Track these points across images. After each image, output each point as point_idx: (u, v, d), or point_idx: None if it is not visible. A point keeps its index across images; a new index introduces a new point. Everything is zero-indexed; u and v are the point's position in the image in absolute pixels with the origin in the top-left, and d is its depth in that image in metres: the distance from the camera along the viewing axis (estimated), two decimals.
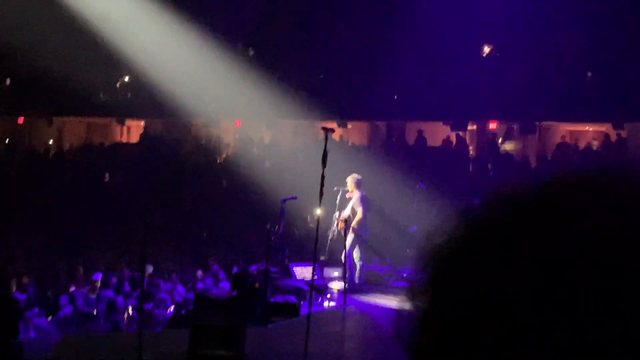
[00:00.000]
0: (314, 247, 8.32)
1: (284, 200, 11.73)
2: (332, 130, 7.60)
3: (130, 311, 12.07)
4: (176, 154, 26.65)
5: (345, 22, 25.63)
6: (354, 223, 12.94)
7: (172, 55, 24.92)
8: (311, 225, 19.40)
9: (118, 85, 27.87)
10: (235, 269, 14.97)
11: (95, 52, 25.56)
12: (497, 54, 25.48)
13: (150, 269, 15.42)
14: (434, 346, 0.63)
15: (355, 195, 13.34)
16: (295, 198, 12.03)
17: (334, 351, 7.81)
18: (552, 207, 0.63)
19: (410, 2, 24.08)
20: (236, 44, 25.67)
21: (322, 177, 7.57)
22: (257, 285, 10.57)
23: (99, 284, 12.96)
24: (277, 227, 11.33)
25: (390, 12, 24.68)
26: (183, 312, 11.57)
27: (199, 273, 14.65)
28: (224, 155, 27.52)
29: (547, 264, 0.59)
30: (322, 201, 14.89)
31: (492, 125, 26.21)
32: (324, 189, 14.51)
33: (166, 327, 10.36)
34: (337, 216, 13.63)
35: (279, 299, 11.45)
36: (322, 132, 27.28)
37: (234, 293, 10.92)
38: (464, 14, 23.90)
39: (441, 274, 0.66)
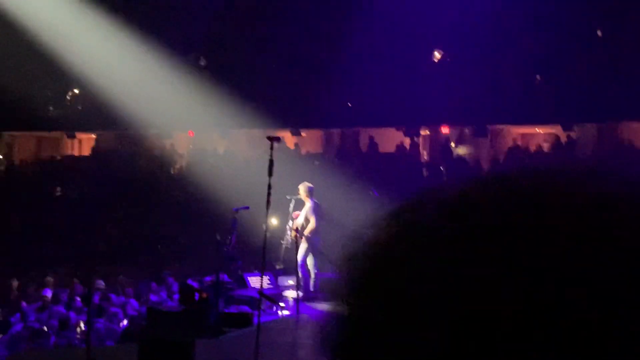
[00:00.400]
0: (262, 256, 8.29)
1: (237, 210, 11.67)
2: (278, 140, 7.58)
3: (82, 326, 11.90)
4: (129, 167, 26.42)
5: (297, 30, 25.64)
6: (306, 231, 12.93)
7: (122, 67, 24.70)
8: (267, 234, 19.38)
9: (68, 98, 27.57)
10: (189, 281, 14.88)
11: (44, 66, 25.25)
12: (448, 59, 25.72)
13: (101, 283, 15.27)
14: (353, 351, 0.63)
15: (307, 204, 13.33)
16: (248, 208, 11.99)
17: None
18: (474, 211, 0.62)
19: (360, 10, 24.18)
20: (187, 55, 25.53)
21: (269, 186, 7.54)
22: (204, 295, 10.52)
23: (49, 299, 12.77)
24: (229, 237, 11.26)
25: (341, 20, 24.75)
26: (135, 326, 11.46)
27: (153, 286, 14.53)
28: (177, 167, 27.35)
29: (466, 269, 0.58)
30: (276, 210, 14.95)
31: (445, 130, 26.43)
32: (277, 197, 14.59)
33: (119, 342, 10.23)
34: (290, 225, 13.61)
35: (233, 309, 11.40)
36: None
37: (182, 307, 10.85)
38: (414, 20, 24.06)
39: (360, 278, 0.65)
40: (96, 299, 14.17)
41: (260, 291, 12.13)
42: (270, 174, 7.22)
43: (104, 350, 7.95)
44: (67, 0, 24.75)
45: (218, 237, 10.83)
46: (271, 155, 7.24)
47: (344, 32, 24.62)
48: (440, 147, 26.31)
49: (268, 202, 7.55)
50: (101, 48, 24.69)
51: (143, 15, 25.00)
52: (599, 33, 24.81)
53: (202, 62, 27.54)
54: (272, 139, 7.43)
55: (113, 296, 13.02)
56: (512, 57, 23.85)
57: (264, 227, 13.43)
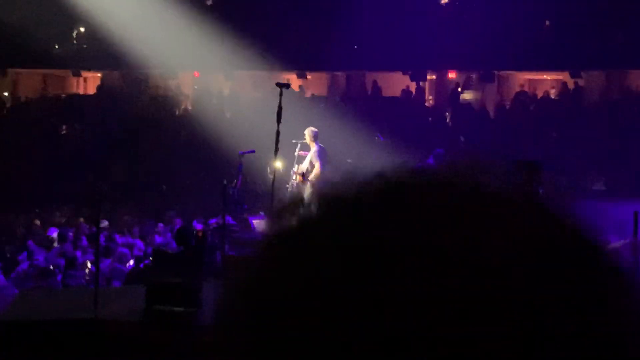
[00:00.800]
0: (271, 201, 8.35)
1: (242, 154, 11.69)
2: (287, 86, 7.56)
3: (89, 266, 12.03)
4: (134, 106, 26.37)
5: None
6: (311, 176, 12.98)
7: (128, 6, 24.49)
8: (270, 177, 19.46)
9: (74, 36, 27.40)
10: (194, 223, 15.00)
11: (49, 4, 25.04)
12: (457, 3, 25.44)
13: (106, 223, 15.38)
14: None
15: (312, 148, 13.36)
16: (254, 152, 12.03)
17: None
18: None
19: None
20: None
21: (277, 132, 7.54)
22: (200, 234, 10.68)
23: (55, 239, 12.88)
24: (235, 180, 11.31)
25: None
26: (142, 266, 11.58)
27: (160, 226, 14.64)
28: (182, 107, 27.31)
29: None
30: (281, 154, 14.97)
31: (452, 75, 26.30)
32: (283, 141, 14.61)
33: (125, 282, 10.36)
34: (295, 169, 13.65)
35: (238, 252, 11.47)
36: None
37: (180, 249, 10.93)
38: None
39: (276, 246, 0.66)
40: (102, 239, 14.31)
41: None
42: (278, 120, 7.21)
43: (111, 291, 8.06)
44: None
45: (225, 182, 10.86)
46: (280, 102, 7.23)
47: None
48: (446, 92, 26.21)
49: (277, 148, 7.55)
50: None
51: None
52: None
53: (209, 2, 27.29)
54: (281, 85, 7.40)
55: (118, 236, 13.13)
56: (521, 3, 23.59)
57: (267, 170, 13.50)
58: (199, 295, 6.83)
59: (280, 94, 7.23)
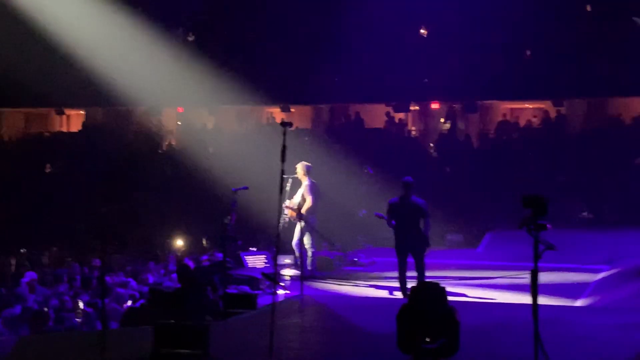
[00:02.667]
0: (276, 238, 8.35)
1: (236, 190, 11.69)
2: (290, 125, 7.57)
3: (81, 306, 11.92)
4: (118, 143, 26.31)
5: (286, 7, 25.54)
6: (303, 210, 12.97)
7: (110, 43, 24.52)
8: (258, 213, 19.44)
9: (56, 74, 27.18)
10: (185, 260, 14.92)
11: (31, 42, 25.03)
12: (438, 34, 25.64)
13: (98, 262, 15.28)
14: None
15: (304, 183, 13.35)
16: (247, 188, 12.01)
17: (297, 345, 7.86)
18: None
19: None
20: (175, 30, 25.31)
21: (282, 172, 7.56)
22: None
23: (35, 282, 12.72)
24: (229, 217, 11.29)
25: None
26: (138, 305, 11.49)
27: (151, 265, 14.57)
28: (166, 143, 27.29)
29: None
30: (270, 188, 14.95)
31: (434, 106, 26.50)
32: (273, 177, 14.61)
33: (121, 322, 10.27)
34: (286, 204, 13.64)
35: (232, 290, 11.44)
36: (265, 117, 27.23)
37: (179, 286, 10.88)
38: None
39: None
40: (93, 280, 14.19)
41: (263, 272, 12.24)
42: (283, 159, 7.23)
43: (116, 333, 8.00)
44: None
45: (226, 221, 10.86)
46: (284, 141, 7.25)
47: (332, 8, 24.58)
48: (429, 122, 26.40)
49: (281, 187, 7.56)
50: (90, 24, 24.49)
51: None
52: (588, 8, 24.88)
53: (190, 38, 27.40)
54: (285, 124, 7.43)
55: (108, 277, 13.03)
56: (502, 33, 23.86)
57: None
58: (207, 337, 6.79)
59: (284, 133, 7.25)
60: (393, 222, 11.81)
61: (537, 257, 6.43)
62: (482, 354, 7.04)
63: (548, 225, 6.43)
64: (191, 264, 14.60)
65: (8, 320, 10.66)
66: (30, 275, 13.55)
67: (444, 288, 6.72)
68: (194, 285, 10.60)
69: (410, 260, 11.58)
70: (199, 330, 6.76)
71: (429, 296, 6.67)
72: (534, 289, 6.42)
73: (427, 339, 6.54)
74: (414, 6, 23.92)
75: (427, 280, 7.02)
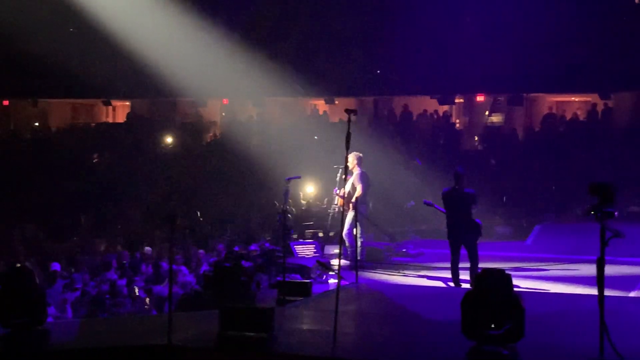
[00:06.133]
0: (341, 227, 8.38)
1: (289, 180, 11.73)
2: (355, 112, 7.59)
3: (136, 292, 12.08)
4: (163, 134, 26.57)
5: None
6: (354, 198, 13.00)
7: (157, 34, 24.68)
8: (303, 202, 19.53)
9: (103, 64, 27.48)
10: (236, 248, 15.03)
11: (79, 33, 25.32)
12: (484, 25, 25.43)
13: (149, 250, 15.45)
14: None
15: (355, 172, 13.37)
16: (300, 177, 12.06)
17: (358, 330, 7.89)
18: None
19: None
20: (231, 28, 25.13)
21: (346, 159, 7.61)
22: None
23: (58, 273, 12.88)
24: (283, 206, 11.35)
25: None
26: (191, 292, 11.62)
27: (201, 253, 14.70)
28: (211, 134, 27.47)
29: None
30: (322, 178, 15.04)
31: (480, 98, 26.35)
32: (325, 166, 14.68)
33: (177, 308, 10.40)
34: (337, 193, 13.69)
35: (285, 278, 11.49)
36: (309, 109, 27.29)
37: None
38: None
39: None
40: (144, 265, 14.37)
41: (319, 260, 12.30)
42: (347, 147, 7.26)
43: (181, 317, 8.10)
44: None
45: (282, 207, 10.92)
46: (349, 128, 7.26)
47: (379, 0, 24.54)
48: (475, 115, 26.27)
49: (345, 174, 7.59)
50: (137, 14, 24.67)
51: None
52: (637, 0, 24.55)
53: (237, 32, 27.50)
54: (349, 112, 7.45)
55: (163, 263, 13.18)
56: (548, 25, 23.63)
57: (301, 195, 13.52)
58: (272, 320, 6.85)
59: (349, 120, 7.27)
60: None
61: (603, 244, 6.39)
62: (546, 343, 7.01)
63: (615, 213, 6.39)
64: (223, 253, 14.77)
65: (73, 303, 10.86)
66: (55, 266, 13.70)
67: (509, 275, 6.71)
68: (235, 273, 10.75)
69: (463, 251, 11.61)
70: (264, 314, 6.82)
71: (495, 283, 6.66)
72: (600, 277, 6.38)
73: (492, 325, 6.54)
74: None
75: (492, 267, 6.99)
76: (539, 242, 16.83)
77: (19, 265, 8.67)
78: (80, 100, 30.13)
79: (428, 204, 12.89)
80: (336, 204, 13.91)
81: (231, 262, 11.86)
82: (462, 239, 11.66)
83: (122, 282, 12.79)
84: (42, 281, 12.16)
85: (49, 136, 27.84)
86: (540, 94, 25.93)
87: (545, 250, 15.44)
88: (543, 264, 13.93)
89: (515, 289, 6.81)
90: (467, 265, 11.67)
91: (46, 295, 7.88)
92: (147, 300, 11.36)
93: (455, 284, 11.64)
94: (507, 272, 6.76)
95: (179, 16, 24.67)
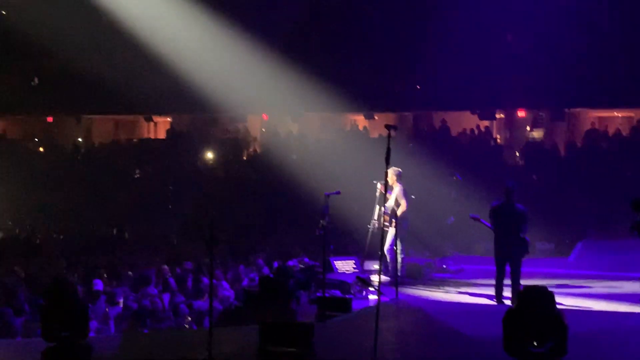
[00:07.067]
0: (381, 243, 8.36)
1: (328, 195, 11.72)
2: (396, 128, 7.59)
3: (177, 307, 12.13)
4: (203, 149, 26.76)
5: (371, 14, 25.56)
6: (398, 214, 12.95)
7: (198, 50, 24.91)
8: (345, 218, 19.48)
9: (144, 80, 27.75)
10: (275, 264, 15.06)
11: (122, 50, 25.64)
12: (524, 40, 25.27)
13: (189, 265, 15.52)
14: None
15: (396, 188, 13.35)
16: (339, 193, 12.03)
17: (399, 347, 7.85)
18: None
19: None
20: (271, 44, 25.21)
21: (386, 174, 7.59)
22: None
23: (100, 292, 12.93)
24: (323, 221, 11.33)
25: (415, 4, 24.63)
26: (231, 307, 11.65)
27: (241, 268, 14.73)
28: (251, 149, 27.61)
29: None
30: (362, 194, 14.99)
31: (521, 114, 26.17)
32: (364, 182, 14.63)
33: (217, 323, 10.42)
34: (378, 209, 13.66)
35: (325, 294, 11.48)
36: (349, 124, 27.30)
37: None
38: (488, 2, 23.79)
39: None
40: (184, 280, 14.43)
41: (359, 276, 12.27)
42: (387, 162, 7.25)
43: (222, 331, 8.13)
44: None
45: (322, 223, 10.91)
46: (389, 143, 7.26)
47: (418, 16, 24.50)
48: (515, 130, 26.09)
49: (385, 189, 7.59)
50: (177, 31, 24.93)
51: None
52: None
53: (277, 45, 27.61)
54: (389, 127, 7.45)
55: (205, 278, 13.23)
56: (591, 40, 23.42)
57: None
58: (312, 336, 6.85)
59: (389, 136, 7.26)
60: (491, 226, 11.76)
61: None
62: None
63: None
64: (266, 270, 14.77)
65: (115, 317, 10.95)
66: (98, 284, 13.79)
67: (552, 292, 6.63)
68: (281, 289, 10.77)
69: (508, 268, 11.48)
70: (304, 329, 6.82)
71: (537, 300, 6.59)
72: None
73: (535, 343, 6.47)
74: (501, 12, 23.65)
75: (534, 284, 6.92)
76: (582, 259, 16.63)
77: (61, 279, 8.77)
78: (122, 117, 30.49)
79: (475, 219, 12.79)
80: (376, 220, 13.86)
81: (277, 277, 11.92)
82: (508, 255, 11.53)
83: (164, 296, 12.87)
84: (85, 295, 12.30)
85: (92, 151, 28.20)
86: (582, 109, 25.68)
87: (588, 267, 15.24)
88: (586, 280, 13.76)
89: (558, 306, 6.73)
90: (509, 282, 11.55)
91: (89, 309, 7.96)
92: (188, 314, 11.39)
93: (497, 300, 11.53)
94: (549, 289, 6.68)
95: (220, 32, 24.86)
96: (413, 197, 13.85)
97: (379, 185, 13.60)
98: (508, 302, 11.16)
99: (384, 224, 12.08)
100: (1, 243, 20.36)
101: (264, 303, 10.63)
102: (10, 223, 22.74)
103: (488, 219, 12.11)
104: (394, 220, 12.76)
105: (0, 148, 27.41)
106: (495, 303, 11.45)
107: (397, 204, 13.11)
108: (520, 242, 11.49)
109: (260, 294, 11.02)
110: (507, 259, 11.51)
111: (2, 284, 13.61)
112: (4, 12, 27.49)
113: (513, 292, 11.31)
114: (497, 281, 11.52)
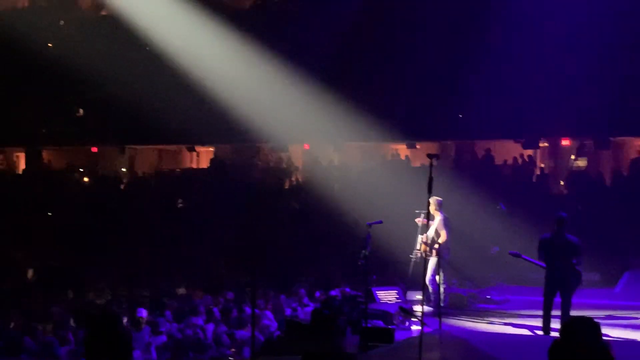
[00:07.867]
0: (423, 273, 8.30)
1: (370, 225, 11.69)
2: (438, 157, 7.58)
3: (219, 336, 12.16)
4: (246, 179, 26.87)
5: (412, 43, 25.56)
6: (438, 245, 12.88)
7: (240, 81, 25.13)
8: (388, 247, 19.39)
9: (187, 111, 28.05)
10: (317, 294, 15.03)
11: (165, 80, 25.93)
12: (567, 68, 25.07)
13: (231, 295, 15.56)
14: None
15: (437, 218, 13.28)
16: (381, 222, 11.99)
17: None
18: None
19: (476, 21, 23.95)
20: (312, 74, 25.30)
21: (428, 204, 7.55)
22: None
23: (144, 320, 12.93)
24: (364, 251, 11.29)
25: (457, 33, 24.57)
26: (274, 337, 11.64)
27: (282, 298, 14.74)
28: (293, 179, 27.67)
29: None
30: (404, 223, 14.93)
31: (565, 142, 25.90)
32: (406, 211, 14.57)
33: (260, 352, 10.42)
34: (420, 239, 13.58)
35: (368, 324, 11.41)
36: (390, 153, 27.25)
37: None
38: (533, 31, 23.68)
39: None
40: (227, 310, 14.46)
41: (401, 306, 12.18)
42: (429, 190, 7.23)
43: None
44: (187, 11, 25.41)
45: (364, 253, 10.88)
46: (430, 173, 7.25)
47: (461, 44, 24.43)
48: (560, 159, 25.82)
49: (428, 219, 7.56)
50: (221, 62, 25.18)
51: (265, 28, 25.36)
52: None
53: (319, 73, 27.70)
54: (431, 156, 7.44)
55: (247, 308, 13.25)
56: (636, 67, 23.16)
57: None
58: None
59: (431, 165, 7.25)
60: (542, 263, 11.55)
61: None
62: None
63: None
64: (306, 300, 14.71)
65: (158, 348, 11.00)
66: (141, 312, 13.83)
67: (598, 323, 6.51)
68: (330, 318, 10.68)
69: (557, 299, 11.30)
70: (348, 358, 6.78)
71: (583, 331, 6.46)
72: None
73: None
74: (544, 39, 23.52)
75: (580, 315, 6.78)
76: (629, 290, 16.35)
77: (106, 310, 8.84)
78: (165, 147, 30.80)
79: (515, 255, 12.61)
80: (418, 249, 13.78)
81: (328, 309, 11.85)
82: (561, 286, 11.34)
83: (207, 326, 12.91)
84: (129, 325, 12.37)
85: (136, 182, 28.50)
86: (628, 138, 25.35)
87: (635, 298, 14.98)
88: (633, 312, 13.51)
89: (604, 338, 6.60)
90: (558, 313, 11.35)
91: (132, 339, 7.98)
92: (230, 345, 11.41)
93: (544, 332, 11.35)
94: (595, 320, 6.56)
95: (261, 63, 25.07)
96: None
97: (421, 215, 13.55)
98: (555, 334, 10.97)
99: (425, 254, 11.99)
100: (50, 273, 20.59)
101: (310, 335, 10.57)
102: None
103: (532, 252, 11.93)
104: (434, 250, 12.68)
105: (46, 179, 27.83)
106: (541, 334, 11.29)
107: (438, 234, 13.03)
108: (574, 274, 11.33)
109: (308, 326, 10.95)
110: (559, 289, 11.31)
111: (51, 314, 13.78)
112: (50, 45, 28.03)
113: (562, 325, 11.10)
114: (544, 312, 11.35)
